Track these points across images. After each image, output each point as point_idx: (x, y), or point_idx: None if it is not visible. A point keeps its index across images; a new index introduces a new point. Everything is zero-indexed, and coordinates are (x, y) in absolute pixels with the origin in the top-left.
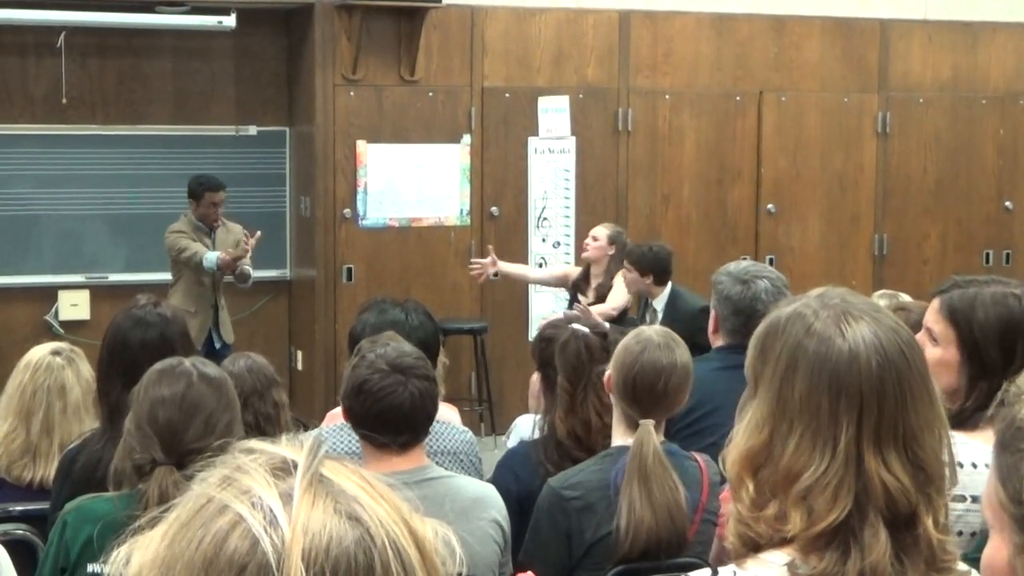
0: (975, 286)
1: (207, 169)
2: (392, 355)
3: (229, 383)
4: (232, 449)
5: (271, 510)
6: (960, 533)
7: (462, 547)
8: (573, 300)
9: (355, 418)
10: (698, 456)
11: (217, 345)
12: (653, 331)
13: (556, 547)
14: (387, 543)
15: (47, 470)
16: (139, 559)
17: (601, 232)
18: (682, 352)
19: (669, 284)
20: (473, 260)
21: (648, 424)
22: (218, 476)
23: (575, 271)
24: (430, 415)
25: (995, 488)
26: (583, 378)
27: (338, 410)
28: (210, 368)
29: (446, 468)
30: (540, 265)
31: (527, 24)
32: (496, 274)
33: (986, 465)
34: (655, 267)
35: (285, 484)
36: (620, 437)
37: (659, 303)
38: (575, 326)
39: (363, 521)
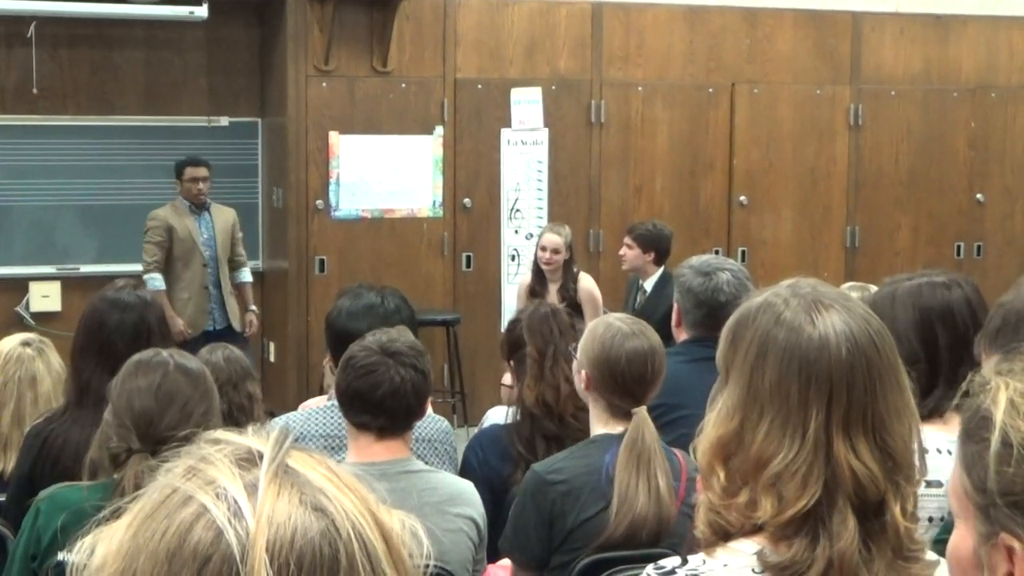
0: (896, 284)
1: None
2: (385, 340)
3: (207, 374)
4: (198, 439)
5: (235, 501)
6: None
7: (430, 540)
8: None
9: (339, 394)
10: (676, 450)
11: (221, 327)
12: (617, 320)
13: (537, 532)
14: (352, 535)
15: None
16: (103, 550)
17: (559, 242)
18: (651, 332)
19: (663, 267)
20: None
21: (643, 411)
22: (183, 467)
23: (526, 281)
24: (411, 407)
25: (960, 477)
26: (551, 343)
27: (312, 400)
28: (189, 360)
29: (421, 455)
30: (512, 258)
31: (500, 15)
32: None
33: (937, 450)
34: (657, 244)
35: (250, 475)
36: (603, 426)
37: (649, 284)
38: (542, 302)
39: (328, 512)
